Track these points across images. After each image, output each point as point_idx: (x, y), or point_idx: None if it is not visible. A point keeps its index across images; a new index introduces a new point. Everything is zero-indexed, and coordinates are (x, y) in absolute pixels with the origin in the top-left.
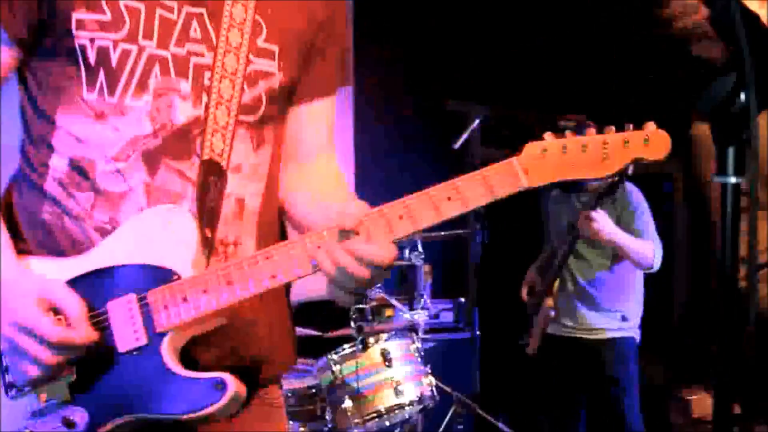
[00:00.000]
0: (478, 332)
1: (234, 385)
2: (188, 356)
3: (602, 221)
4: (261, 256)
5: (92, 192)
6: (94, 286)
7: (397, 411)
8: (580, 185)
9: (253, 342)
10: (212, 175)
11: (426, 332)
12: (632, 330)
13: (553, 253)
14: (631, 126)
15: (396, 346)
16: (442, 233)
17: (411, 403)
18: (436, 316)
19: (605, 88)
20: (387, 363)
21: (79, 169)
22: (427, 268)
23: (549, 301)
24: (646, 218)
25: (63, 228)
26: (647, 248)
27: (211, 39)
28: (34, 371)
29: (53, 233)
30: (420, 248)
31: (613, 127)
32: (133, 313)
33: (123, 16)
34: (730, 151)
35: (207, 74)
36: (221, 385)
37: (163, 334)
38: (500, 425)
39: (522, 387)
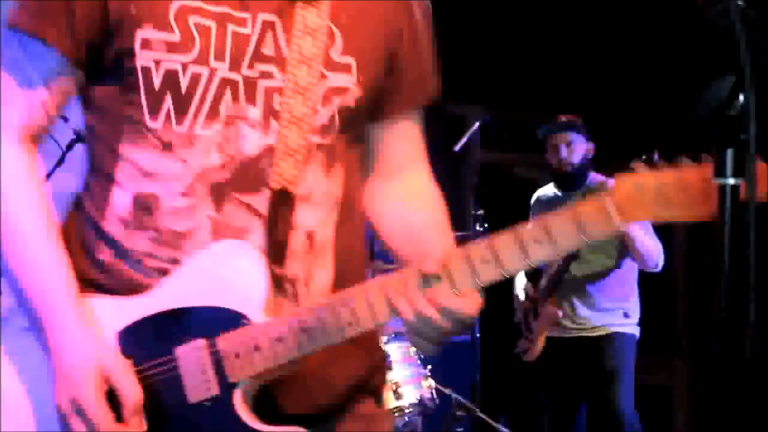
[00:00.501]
0: (477, 335)
1: None
2: (261, 400)
3: None
4: (338, 303)
5: (154, 231)
6: (159, 330)
7: (396, 414)
8: (580, 183)
9: (330, 382)
10: (282, 206)
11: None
12: (633, 326)
13: (538, 272)
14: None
15: (395, 349)
16: None
17: (410, 406)
18: None
19: (605, 89)
20: (386, 366)
21: (143, 206)
22: None
23: (551, 308)
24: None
25: (121, 269)
26: (657, 247)
27: (283, 56)
28: None
29: (111, 274)
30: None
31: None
32: (203, 361)
33: (193, 35)
34: (729, 152)
35: (277, 98)
36: None
37: (235, 384)
38: (500, 427)
39: (521, 389)
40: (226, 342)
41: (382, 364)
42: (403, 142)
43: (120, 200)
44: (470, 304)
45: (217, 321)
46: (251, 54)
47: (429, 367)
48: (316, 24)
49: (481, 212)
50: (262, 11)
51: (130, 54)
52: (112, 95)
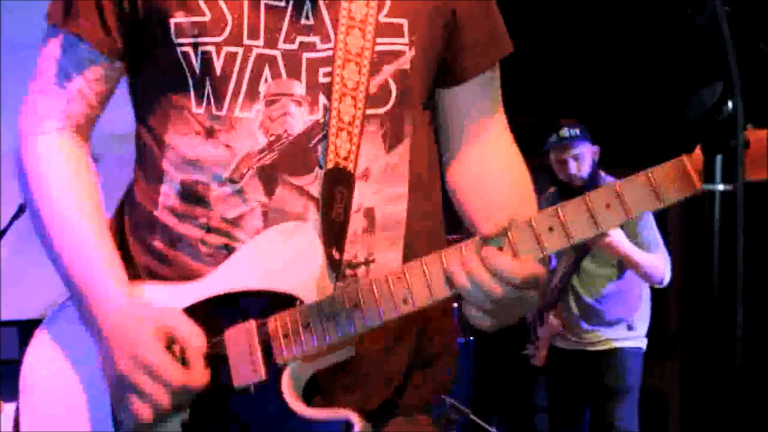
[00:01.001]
0: (472, 338)
1: (360, 425)
2: (312, 390)
3: (617, 235)
4: (393, 277)
5: (206, 218)
6: (211, 315)
7: None
8: (582, 189)
9: (387, 369)
10: (339, 185)
11: None
12: (638, 339)
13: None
14: None
15: None
16: None
17: None
18: None
19: (597, 94)
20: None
21: (191, 194)
22: None
23: (555, 320)
24: (652, 229)
25: (176, 257)
26: (659, 262)
27: (325, 24)
28: (148, 414)
29: (166, 262)
30: None
31: None
32: (251, 342)
33: (224, 14)
34: (718, 159)
35: (322, 70)
36: (347, 426)
37: (283, 367)
38: (493, 431)
39: (516, 390)
40: (275, 323)
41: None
42: (479, 105)
43: (168, 190)
44: (526, 268)
45: (269, 304)
46: (287, 26)
47: None
48: None
49: None
50: None
51: (168, 43)
52: (158, 85)
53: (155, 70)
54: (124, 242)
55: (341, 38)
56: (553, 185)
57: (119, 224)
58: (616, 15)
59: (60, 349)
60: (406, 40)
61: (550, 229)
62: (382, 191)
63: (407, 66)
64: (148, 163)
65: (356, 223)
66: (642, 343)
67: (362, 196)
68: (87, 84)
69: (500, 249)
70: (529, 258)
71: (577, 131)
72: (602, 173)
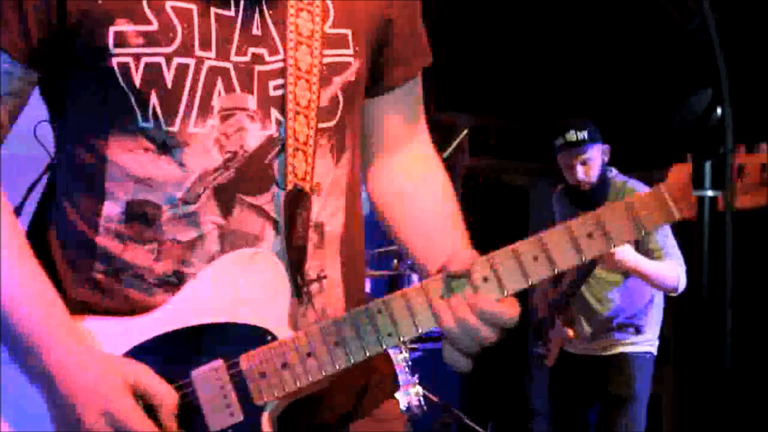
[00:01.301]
0: None
1: None
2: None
3: (624, 251)
4: (375, 309)
5: (155, 243)
6: (171, 352)
7: None
8: (600, 198)
9: (330, 402)
10: (298, 207)
11: (413, 342)
12: (647, 343)
13: (560, 276)
14: None
15: None
16: None
17: None
18: None
19: (591, 97)
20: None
21: (139, 216)
22: (415, 277)
23: (565, 330)
24: (667, 236)
25: (120, 288)
26: (671, 271)
27: (271, 36)
28: None
29: (108, 293)
30: (408, 258)
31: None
32: (223, 384)
33: (173, 23)
34: (707, 164)
35: (272, 83)
36: None
37: (261, 407)
38: None
39: (511, 397)
40: (248, 361)
41: (389, 373)
42: (402, 115)
43: (111, 210)
44: (511, 308)
45: (238, 339)
46: (238, 37)
47: (417, 374)
48: None
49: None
50: None
51: (103, 53)
52: (91, 97)
53: (87, 82)
54: (50, 266)
55: (291, 54)
56: (560, 183)
57: (39, 242)
58: (610, 20)
59: None
60: (351, 50)
61: (535, 258)
62: (329, 205)
63: (353, 77)
64: (83, 180)
65: (311, 241)
66: (651, 348)
67: (314, 211)
68: (2, 103)
69: (485, 280)
70: (513, 300)
71: (585, 134)
72: (613, 171)
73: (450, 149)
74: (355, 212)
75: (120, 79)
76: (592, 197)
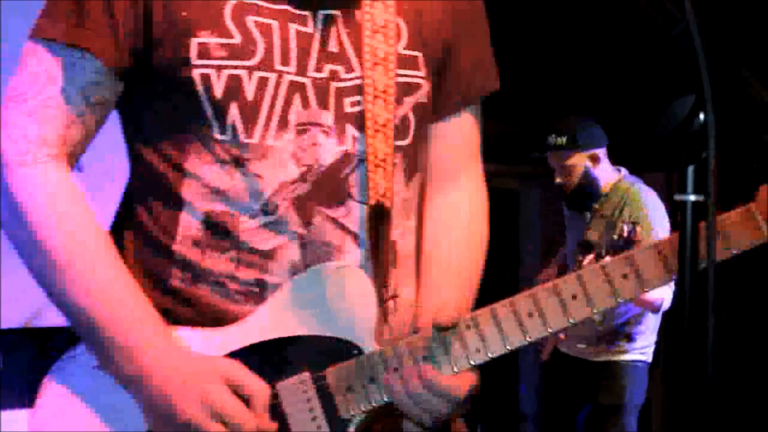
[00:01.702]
0: None
1: None
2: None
3: None
4: (463, 324)
5: (235, 251)
6: (258, 364)
7: None
8: (588, 201)
9: None
10: (378, 222)
11: None
12: (637, 352)
13: (564, 266)
14: None
15: None
16: None
17: None
18: None
19: (583, 100)
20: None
21: (217, 226)
22: None
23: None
24: (658, 223)
25: (199, 296)
26: (656, 291)
27: (347, 54)
28: None
29: (188, 302)
30: None
31: None
32: (309, 397)
33: (255, 37)
34: (690, 169)
35: (348, 100)
36: None
37: (348, 421)
38: None
39: (500, 400)
40: (335, 375)
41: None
42: (453, 144)
43: (189, 220)
44: (463, 382)
45: (324, 352)
46: (317, 54)
47: None
48: (385, 20)
49: None
50: (321, 7)
51: (185, 64)
52: (169, 108)
53: (166, 93)
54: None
55: (368, 74)
56: (551, 186)
57: (125, 261)
58: (599, 25)
59: (77, 403)
60: (422, 73)
61: (530, 314)
62: (401, 225)
63: (425, 99)
64: (159, 191)
65: (390, 258)
66: (643, 356)
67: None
68: (88, 108)
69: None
70: (468, 375)
71: (565, 140)
72: (623, 172)
73: None
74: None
75: (201, 90)
76: (575, 200)
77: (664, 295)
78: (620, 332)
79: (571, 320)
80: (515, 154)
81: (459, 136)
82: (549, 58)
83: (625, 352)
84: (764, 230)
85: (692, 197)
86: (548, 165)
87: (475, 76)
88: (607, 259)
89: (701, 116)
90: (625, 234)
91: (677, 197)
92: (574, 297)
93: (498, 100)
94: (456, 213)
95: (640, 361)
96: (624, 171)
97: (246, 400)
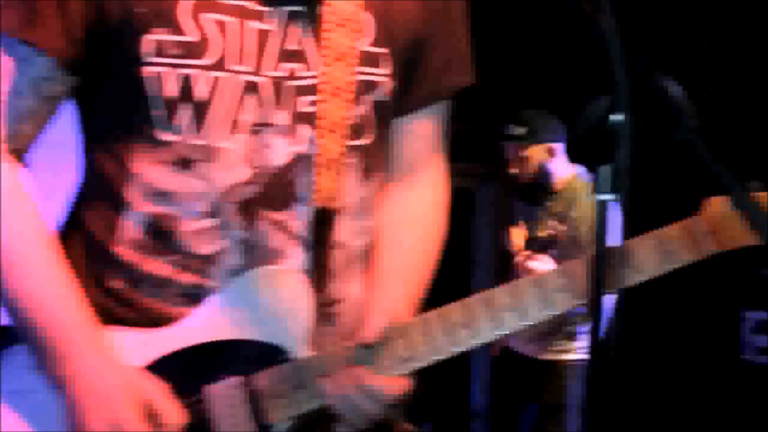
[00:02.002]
0: None
1: None
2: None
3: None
4: (393, 330)
5: (177, 254)
6: (189, 367)
7: None
8: (539, 197)
9: None
10: (322, 225)
11: None
12: (581, 351)
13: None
14: None
15: None
16: None
17: None
18: None
19: (530, 97)
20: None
21: (159, 228)
22: None
23: None
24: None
25: (139, 298)
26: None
27: (307, 51)
28: None
29: (127, 303)
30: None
31: None
32: (238, 401)
33: (212, 35)
34: (604, 169)
35: (304, 99)
36: None
37: (273, 427)
38: None
39: (450, 397)
40: (265, 380)
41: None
42: (422, 138)
43: (132, 222)
44: (397, 384)
45: (256, 357)
46: (275, 52)
47: None
48: (349, 12)
49: None
50: (283, 2)
51: (138, 61)
52: (119, 106)
53: (117, 90)
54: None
55: (325, 69)
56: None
57: (68, 260)
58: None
59: (7, 402)
60: (386, 70)
61: (463, 325)
62: (355, 225)
63: (387, 98)
64: (102, 190)
65: (337, 260)
66: (586, 354)
67: (341, 232)
68: (40, 102)
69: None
70: (401, 379)
71: (523, 130)
72: (580, 169)
73: None
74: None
75: (151, 89)
76: (528, 192)
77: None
78: (563, 331)
79: (501, 332)
80: (469, 152)
81: (424, 132)
82: (499, 57)
83: (567, 351)
84: (708, 246)
85: (608, 197)
86: (503, 156)
87: (446, 72)
88: (538, 263)
89: (614, 116)
90: (554, 232)
91: (590, 198)
92: (506, 308)
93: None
94: (412, 208)
95: (583, 360)
96: (580, 168)
97: (160, 425)
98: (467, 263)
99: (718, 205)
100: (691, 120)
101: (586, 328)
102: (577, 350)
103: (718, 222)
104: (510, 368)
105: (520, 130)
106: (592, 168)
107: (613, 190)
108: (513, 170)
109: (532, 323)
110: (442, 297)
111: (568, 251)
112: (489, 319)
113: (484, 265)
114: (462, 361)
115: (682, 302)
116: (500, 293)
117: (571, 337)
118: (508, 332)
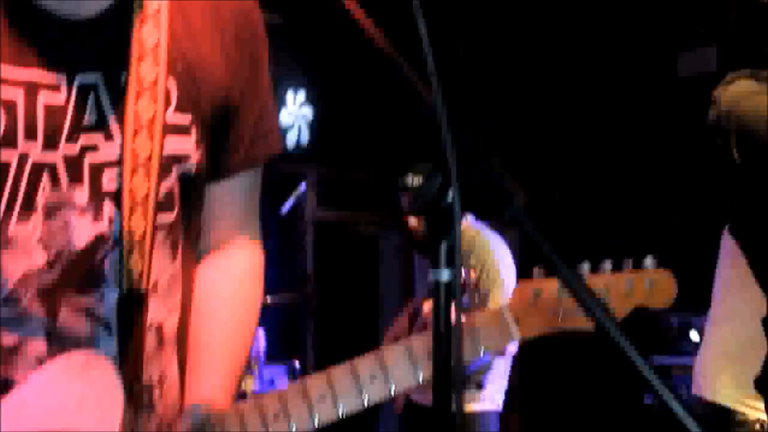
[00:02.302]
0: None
1: None
2: None
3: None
4: (232, 414)
5: None
6: None
7: None
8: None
9: None
10: (132, 307)
11: None
12: (488, 401)
13: (417, 312)
14: (630, 262)
15: None
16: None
17: None
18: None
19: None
20: None
21: None
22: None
23: None
24: (505, 271)
25: None
26: None
27: (108, 122)
28: None
29: None
30: None
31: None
32: None
33: None
34: (443, 246)
35: (106, 175)
36: None
37: None
38: None
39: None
40: None
41: None
42: (235, 204)
43: None
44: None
45: None
46: (69, 127)
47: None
48: (153, 79)
49: (311, 270)
50: (79, 71)
51: None
52: None
53: None
54: None
55: (128, 143)
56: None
57: None
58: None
59: None
60: (192, 139)
61: (322, 396)
62: (167, 303)
63: (193, 170)
64: None
65: (149, 342)
66: (493, 405)
67: (152, 312)
68: None
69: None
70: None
71: (418, 181)
72: (469, 218)
73: (288, 204)
74: (191, 308)
75: None
76: (425, 246)
77: None
78: (470, 379)
79: (317, 422)
80: (373, 200)
81: (236, 198)
82: (398, 105)
83: (475, 400)
84: (514, 333)
85: (445, 274)
86: (401, 206)
87: (258, 140)
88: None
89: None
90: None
91: (432, 276)
92: (322, 397)
93: (355, 148)
94: (226, 278)
95: (491, 411)
96: (470, 217)
97: None
98: (375, 309)
99: (526, 292)
100: (517, 198)
101: (494, 376)
102: (485, 399)
103: (525, 309)
104: (419, 422)
105: (416, 181)
106: (481, 216)
107: (447, 265)
108: (410, 223)
109: (344, 412)
110: (352, 343)
111: (472, 298)
112: (304, 408)
113: (391, 310)
114: (370, 416)
115: (584, 349)
116: (315, 380)
117: (480, 384)
118: (321, 422)
